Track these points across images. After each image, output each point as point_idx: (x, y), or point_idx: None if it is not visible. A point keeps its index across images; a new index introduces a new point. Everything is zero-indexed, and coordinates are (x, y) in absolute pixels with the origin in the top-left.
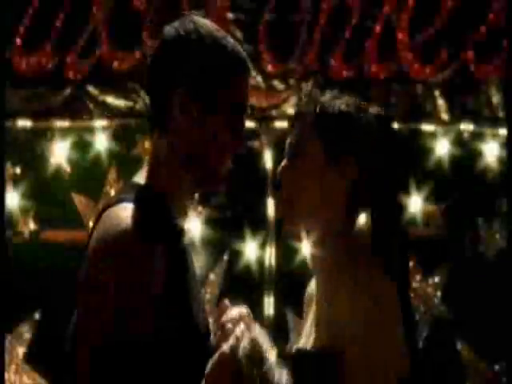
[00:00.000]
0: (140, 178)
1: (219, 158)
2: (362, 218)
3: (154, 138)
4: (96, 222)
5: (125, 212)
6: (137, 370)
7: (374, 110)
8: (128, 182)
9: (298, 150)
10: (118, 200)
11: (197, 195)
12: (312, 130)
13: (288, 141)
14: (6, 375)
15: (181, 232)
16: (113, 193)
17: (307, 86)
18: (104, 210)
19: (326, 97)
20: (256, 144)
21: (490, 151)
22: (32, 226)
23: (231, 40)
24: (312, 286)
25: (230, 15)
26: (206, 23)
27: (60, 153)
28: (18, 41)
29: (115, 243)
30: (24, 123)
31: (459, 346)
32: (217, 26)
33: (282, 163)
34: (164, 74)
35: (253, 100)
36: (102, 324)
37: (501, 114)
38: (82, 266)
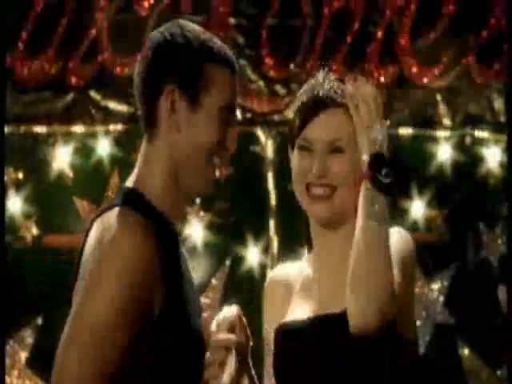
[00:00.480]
0: (129, 181)
1: (209, 160)
2: None
3: (143, 142)
4: (89, 229)
5: (113, 217)
6: (134, 373)
7: None
8: (120, 187)
9: (345, 144)
10: (109, 206)
11: (198, 200)
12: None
13: (327, 135)
14: (9, 380)
15: (175, 235)
16: None
17: (324, 73)
18: (97, 216)
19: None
20: (258, 149)
21: (492, 156)
22: (34, 230)
23: (218, 41)
24: (289, 273)
25: (232, 20)
26: (193, 27)
27: (62, 158)
28: (21, 46)
29: (108, 249)
30: (26, 128)
31: (461, 351)
32: (207, 29)
33: (325, 158)
34: (151, 76)
35: (254, 105)
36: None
37: (502, 119)
38: (78, 272)
